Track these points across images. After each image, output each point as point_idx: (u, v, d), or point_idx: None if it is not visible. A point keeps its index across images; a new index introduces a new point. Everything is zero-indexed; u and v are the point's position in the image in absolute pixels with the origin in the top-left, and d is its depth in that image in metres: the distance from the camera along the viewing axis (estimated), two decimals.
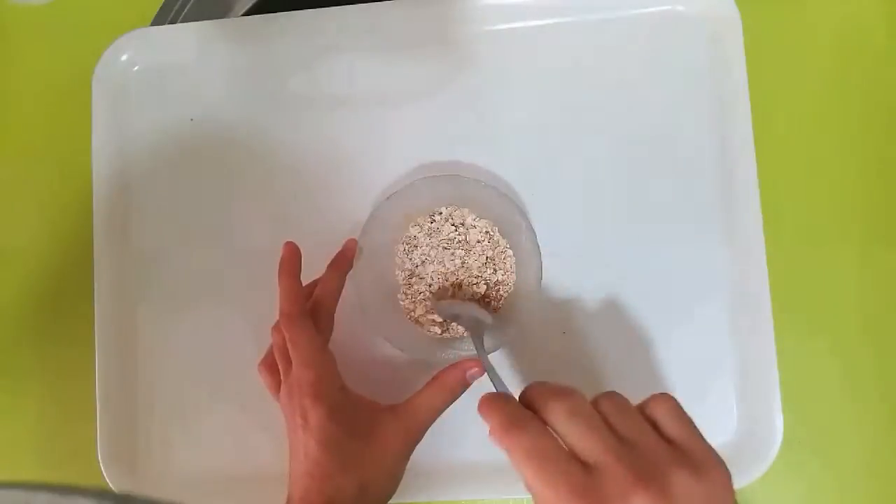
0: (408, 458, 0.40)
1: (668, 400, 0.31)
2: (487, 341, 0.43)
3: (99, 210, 0.51)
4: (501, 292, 0.45)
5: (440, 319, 0.45)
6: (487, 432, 0.31)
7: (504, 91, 0.49)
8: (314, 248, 0.45)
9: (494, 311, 0.45)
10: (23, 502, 0.22)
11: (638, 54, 0.48)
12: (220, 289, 0.50)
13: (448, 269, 0.46)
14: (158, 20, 0.54)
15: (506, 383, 0.36)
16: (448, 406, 0.41)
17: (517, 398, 0.33)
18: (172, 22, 0.55)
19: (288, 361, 0.41)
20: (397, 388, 0.44)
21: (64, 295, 0.52)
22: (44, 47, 0.55)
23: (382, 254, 0.46)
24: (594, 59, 0.48)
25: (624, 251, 0.47)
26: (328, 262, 0.44)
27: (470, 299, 0.45)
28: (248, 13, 0.57)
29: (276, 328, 0.42)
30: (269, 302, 0.44)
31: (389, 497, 0.40)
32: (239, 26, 0.52)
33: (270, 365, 0.43)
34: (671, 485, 0.27)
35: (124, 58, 0.52)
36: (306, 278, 0.44)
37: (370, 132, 0.50)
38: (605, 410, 0.30)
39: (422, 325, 0.46)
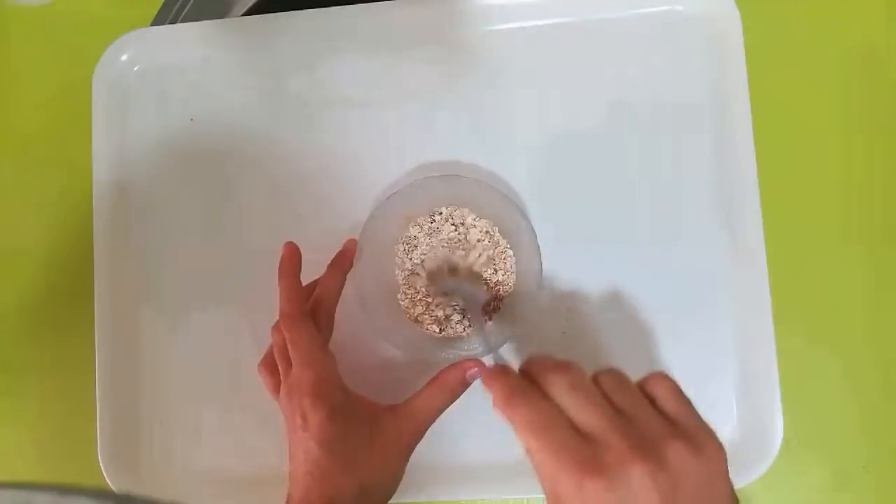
0: (408, 458, 0.40)
1: (667, 378, 0.31)
2: (490, 339, 0.43)
3: (99, 210, 0.51)
4: (501, 292, 0.45)
5: (438, 314, 0.45)
6: (491, 403, 0.32)
7: (504, 91, 0.49)
8: (314, 248, 0.45)
9: (494, 311, 0.45)
10: (23, 502, 0.22)
11: (638, 54, 0.48)
12: (220, 289, 0.50)
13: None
14: (158, 20, 0.54)
15: None
16: (448, 406, 0.41)
17: (518, 371, 0.33)
18: (172, 22, 0.55)
19: (288, 362, 0.41)
20: (397, 388, 0.44)
21: (64, 295, 0.52)
22: (44, 47, 0.55)
23: (382, 254, 0.46)
24: (594, 60, 0.48)
25: (624, 252, 0.47)
26: (328, 261, 0.44)
27: (465, 278, 0.45)
28: (248, 13, 0.57)
29: (276, 328, 0.42)
30: (268, 302, 0.44)
31: (389, 497, 0.40)
32: (239, 26, 0.52)
33: (270, 365, 0.43)
34: (668, 457, 0.27)
35: (124, 58, 0.52)
36: (306, 278, 0.44)
37: (370, 132, 0.50)
38: (605, 385, 0.31)
39: (421, 324, 0.46)
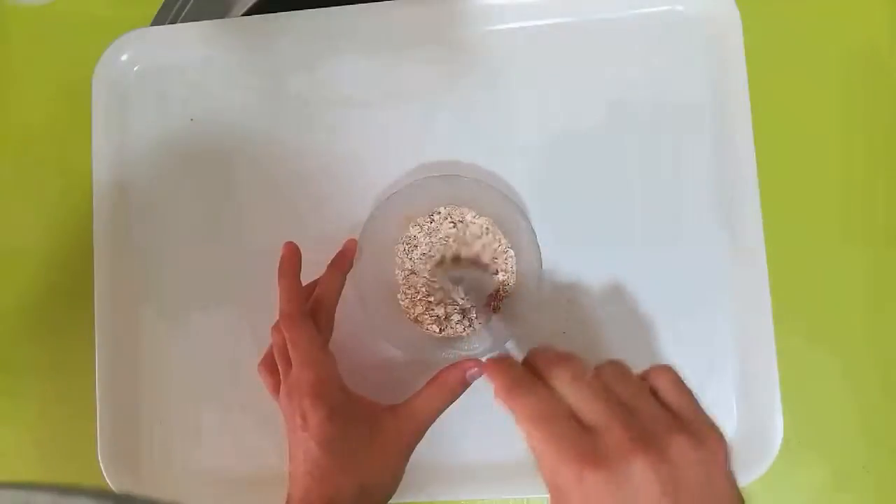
0: (408, 459, 0.40)
1: (669, 370, 0.31)
2: (488, 341, 0.43)
3: (99, 210, 0.51)
4: (502, 292, 0.45)
5: (439, 314, 0.45)
6: (493, 393, 0.32)
7: (504, 91, 0.49)
8: (314, 248, 0.45)
9: (495, 311, 0.45)
10: (23, 502, 0.22)
11: (638, 54, 0.48)
12: (220, 289, 0.50)
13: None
14: (158, 20, 0.54)
15: None
16: (448, 406, 0.41)
17: (520, 362, 0.33)
18: (172, 22, 0.55)
19: (288, 362, 0.41)
20: (397, 388, 0.44)
21: (64, 295, 0.52)
22: (44, 47, 0.55)
23: (382, 254, 0.46)
24: (594, 59, 0.48)
25: (624, 252, 0.47)
26: (328, 261, 0.44)
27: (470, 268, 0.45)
28: (248, 13, 0.57)
29: (276, 328, 0.42)
30: (268, 302, 0.44)
31: (389, 497, 0.40)
32: (239, 26, 0.52)
33: (270, 365, 0.43)
34: (670, 450, 0.27)
35: (124, 58, 0.52)
36: (306, 278, 0.44)
37: (370, 132, 0.50)
38: (607, 376, 0.31)
39: (421, 324, 0.46)
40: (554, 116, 0.48)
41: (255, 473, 0.48)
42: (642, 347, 0.46)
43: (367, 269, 0.44)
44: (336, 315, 0.44)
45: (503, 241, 0.46)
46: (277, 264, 0.43)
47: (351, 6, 0.50)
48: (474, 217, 0.46)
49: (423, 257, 0.46)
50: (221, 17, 0.56)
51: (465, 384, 0.41)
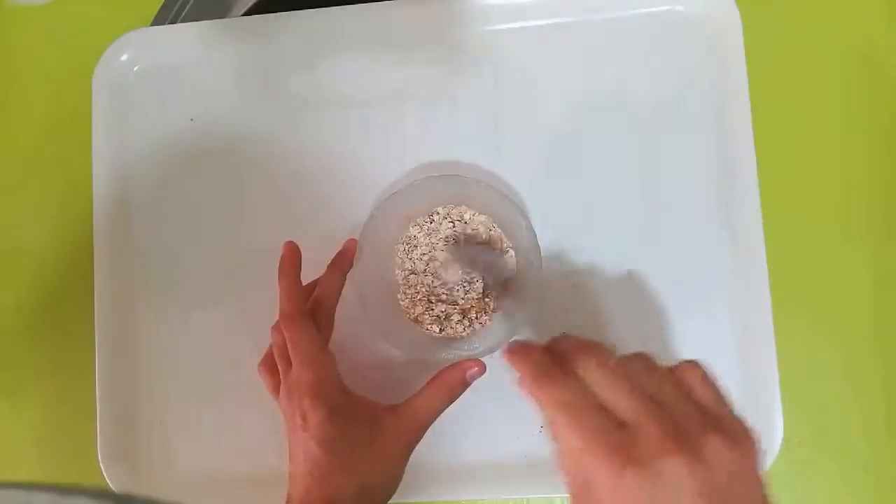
0: (408, 459, 0.40)
1: (698, 366, 0.31)
2: (489, 340, 0.43)
3: (99, 210, 0.51)
4: (514, 274, 0.45)
5: (436, 313, 0.45)
6: (516, 380, 0.31)
7: (504, 91, 0.49)
8: (314, 247, 0.45)
9: (494, 311, 0.45)
10: (23, 502, 0.22)
11: (638, 54, 0.48)
12: (220, 288, 0.50)
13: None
14: (158, 20, 0.54)
15: (508, 381, 0.36)
16: (448, 406, 0.41)
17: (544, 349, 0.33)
18: (172, 22, 0.55)
19: (288, 362, 0.41)
20: (397, 388, 0.44)
21: (64, 295, 0.52)
22: (44, 47, 0.55)
23: (382, 254, 0.46)
24: (594, 59, 0.48)
25: (623, 252, 0.47)
26: (328, 261, 0.44)
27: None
28: (248, 13, 0.57)
29: (276, 328, 0.42)
30: (268, 302, 0.44)
31: (390, 497, 0.40)
32: (239, 26, 0.52)
33: (270, 365, 0.43)
34: (705, 450, 0.27)
35: (124, 58, 0.52)
36: (306, 278, 0.44)
37: (370, 132, 0.50)
38: (637, 370, 0.30)
39: (421, 324, 0.46)
40: (554, 116, 0.48)
41: (255, 473, 0.48)
42: (642, 347, 0.46)
43: (367, 269, 0.44)
44: (336, 315, 0.44)
45: (503, 240, 0.46)
46: (277, 264, 0.43)
47: (351, 6, 0.50)
48: (474, 215, 0.46)
49: (424, 257, 0.46)
50: (221, 17, 0.57)
51: (464, 384, 0.41)
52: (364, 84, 0.50)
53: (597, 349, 0.31)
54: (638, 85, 0.48)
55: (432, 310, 0.45)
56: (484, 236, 0.45)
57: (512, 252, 0.46)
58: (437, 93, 0.49)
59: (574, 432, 0.28)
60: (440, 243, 0.46)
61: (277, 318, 0.42)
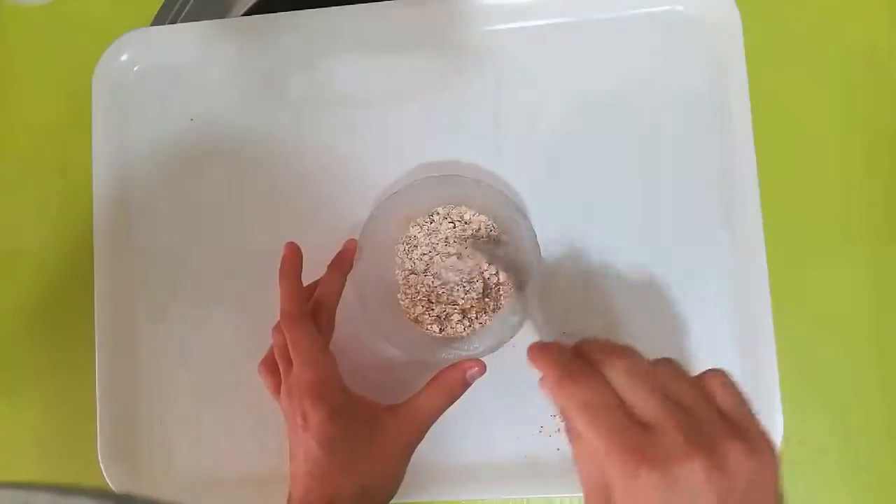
0: (409, 459, 0.40)
1: (723, 374, 0.31)
2: (489, 340, 0.43)
3: (99, 210, 0.51)
4: (501, 292, 0.45)
5: (436, 313, 0.45)
6: (538, 381, 0.31)
7: (504, 91, 0.49)
8: (314, 248, 0.45)
9: (494, 311, 0.45)
10: (23, 502, 0.22)
11: (638, 54, 0.48)
12: (221, 289, 0.50)
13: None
14: (158, 20, 0.54)
15: (507, 381, 0.36)
16: (448, 406, 0.41)
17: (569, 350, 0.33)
18: (172, 22, 0.55)
19: (288, 362, 0.41)
20: (398, 388, 0.44)
21: (64, 295, 0.52)
22: (44, 47, 0.55)
23: (382, 254, 0.46)
24: (594, 59, 0.48)
25: (623, 251, 0.47)
26: (328, 261, 0.44)
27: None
28: (248, 13, 0.57)
29: (277, 329, 0.42)
30: (269, 302, 0.44)
31: (390, 497, 0.40)
32: (239, 26, 0.52)
33: (271, 365, 0.43)
34: (726, 456, 0.27)
35: (124, 58, 0.52)
36: (306, 278, 0.44)
37: (370, 132, 0.50)
38: (664, 375, 0.30)
39: (421, 324, 0.46)
40: (554, 116, 0.48)
41: (255, 473, 0.48)
42: (642, 346, 0.46)
43: (367, 270, 0.44)
44: (336, 315, 0.44)
45: (503, 241, 0.46)
46: (277, 264, 0.43)
47: (351, 6, 0.50)
48: (473, 214, 0.46)
49: (424, 258, 0.46)
50: (221, 17, 0.57)
51: (465, 384, 0.41)
52: (364, 84, 0.50)
53: (627, 352, 0.31)
54: (638, 85, 0.48)
55: (432, 310, 0.45)
56: (490, 233, 0.45)
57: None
58: (437, 93, 0.49)
59: (594, 431, 0.28)
60: (440, 244, 0.46)
61: (278, 318, 0.42)
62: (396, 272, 0.47)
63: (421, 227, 0.46)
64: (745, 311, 0.45)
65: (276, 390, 0.43)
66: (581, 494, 0.31)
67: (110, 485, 0.49)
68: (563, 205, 0.47)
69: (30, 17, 0.56)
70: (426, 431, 0.40)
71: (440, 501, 0.47)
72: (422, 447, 0.40)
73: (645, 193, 0.47)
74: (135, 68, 0.53)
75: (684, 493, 0.26)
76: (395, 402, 0.41)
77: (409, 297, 0.46)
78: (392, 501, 0.40)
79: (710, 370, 0.31)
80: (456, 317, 0.45)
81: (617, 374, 0.30)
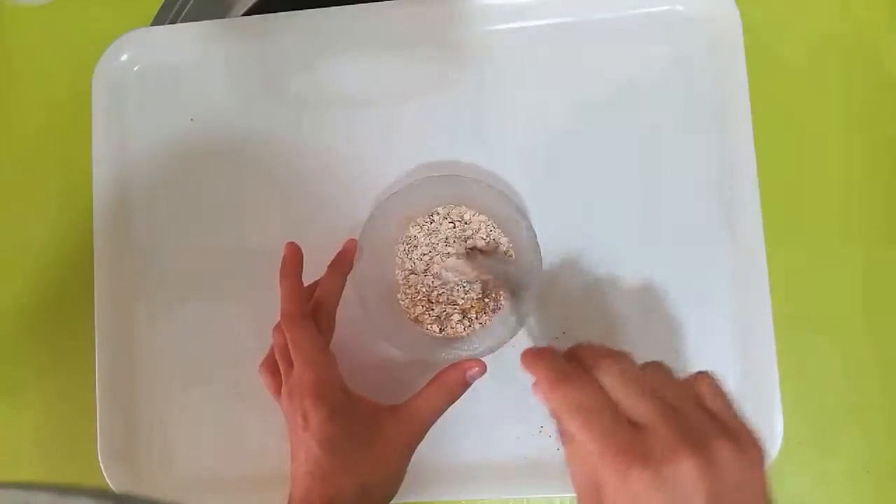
0: (409, 459, 0.40)
1: (710, 377, 0.31)
2: (489, 340, 0.43)
3: (99, 210, 0.51)
4: (501, 293, 0.45)
5: (436, 313, 0.45)
6: (532, 385, 0.32)
7: (504, 91, 0.49)
8: (314, 247, 0.45)
9: (494, 311, 0.45)
10: (22, 502, 0.22)
11: (638, 54, 0.48)
12: (221, 289, 0.50)
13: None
14: (158, 20, 0.54)
15: (507, 381, 0.36)
16: (449, 406, 0.41)
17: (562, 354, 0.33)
18: (172, 22, 0.55)
19: (289, 362, 0.41)
20: (398, 388, 0.44)
21: (64, 295, 0.52)
22: (44, 47, 0.55)
23: (382, 254, 0.46)
24: (594, 59, 0.48)
25: (623, 252, 0.47)
26: (328, 261, 0.44)
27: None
28: (248, 13, 0.57)
29: (278, 329, 0.42)
30: (269, 302, 0.44)
31: (391, 497, 0.40)
32: (239, 26, 0.52)
33: (271, 366, 0.43)
34: (716, 454, 0.27)
35: (124, 58, 0.52)
36: (306, 278, 0.44)
37: (370, 132, 0.50)
38: (653, 378, 0.31)
39: (421, 324, 0.46)
40: (554, 116, 0.48)
41: (256, 473, 0.48)
42: (642, 347, 0.46)
43: (368, 270, 0.44)
44: (336, 316, 0.44)
45: (503, 241, 0.46)
46: (278, 264, 0.43)
47: (351, 6, 0.50)
48: (473, 214, 0.46)
49: (424, 258, 0.46)
50: (221, 17, 0.56)
51: (465, 384, 0.41)
52: (364, 84, 0.50)
53: (618, 355, 0.31)
54: (638, 85, 0.48)
55: (432, 310, 0.45)
56: (489, 240, 0.45)
57: (512, 252, 0.46)
58: (437, 93, 0.49)
59: (587, 433, 0.28)
60: (440, 244, 0.46)
61: (278, 318, 0.42)
62: (396, 272, 0.47)
63: (421, 227, 0.46)
64: (744, 311, 0.45)
65: (277, 391, 0.43)
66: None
67: (110, 485, 0.49)
68: (563, 205, 0.47)
69: (30, 17, 0.56)
70: (426, 431, 0.40)
71: (440, 501, 0.47)
72: (422, 447, 0.40)
73: (645, 193, 0.47)
74: (135, 68, 0.53)
75: (677, 490, 0.26)
76: (395, 402, 0.41)
77: (409, 297, 0.46)
78: (392, 501, 0.40)
79: (697, 373, 0.32)
80: (456, 317, 0.45)
81: (608, 377, 0.30)
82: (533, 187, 0.48)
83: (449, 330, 0.45)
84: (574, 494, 0.31)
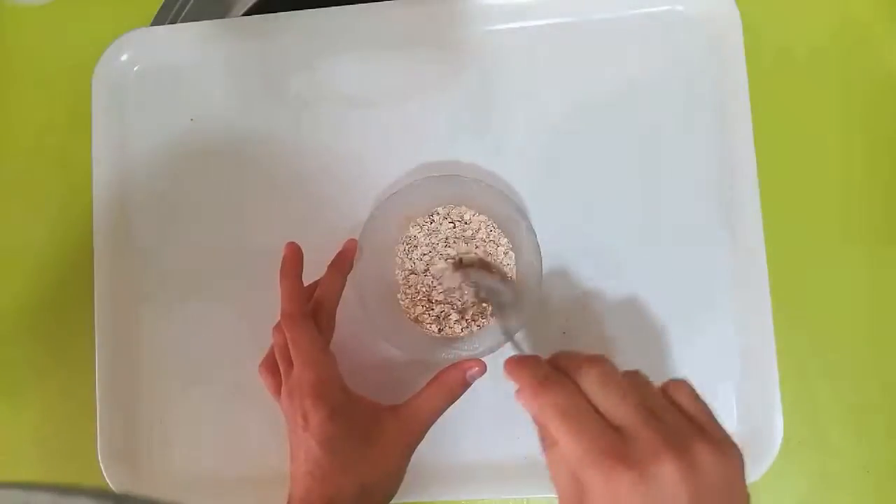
0: (409, 459, 0.40)
1: (686, 384, 0.32)
2: (489, 340, 0.43)
3: (99, 210, 0.51)
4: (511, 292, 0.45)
5: (438, 313, 0.45)
6: (515, 392, 0.32)
7: (504, 91, 0.49)
8: (314, 247, 0.45)
9: (491, 315, 0.45)
10: (22, 502, 0.22)
11: (638, 54, 0.48)
12: (221, 289, 0.50)
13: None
14: (158, 20, 0.54)
15: (507, 381, 0.36)
16: (449, 406, 0.41)
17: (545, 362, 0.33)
18: (172, 22, 0.55)
19: (289, 362, 0.41)
20: (398, 388, 0.44)
21: (64, 295, 0.52)
22: (44, 47, 0.55)
23: (382, 254, 0.46)
24: (594, 59, 0.48)
25: (623, 252, 0.47)
26: (328, 261, 0.44)
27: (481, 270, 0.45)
28: (248, 13, 0.57)
29: (278, 329, 0.42)
30: (270, 302, 0.44)
31: (391, 497, 0.40)
32: (239, 26, 0.52)
33: (271, 366, 0.43)
34: (697, 456, 0.28)
35: (124, 58, 0.52)
36: (307, 278, 0.44)
37: (370, 132, 0.50)
38: (632, 384, 0.31)
39: (421, 324, 0.46)
40: (554, 116, 0.48)
41: (256, 473, 0.48)
42: (642, 347, 0.46)
43: (367, 270, 0.44)
44: (336, 315, 0.44)
45: (503, 241, 0.46)
46: (278, 264, 0.43)
47: (351, 6, 0.51)
48: (473, 215, 0.46)
49: (424, 258, 0.46)
50: (221, 17, 0.56)
51: (465, 384, 0.41)
52: (364, 84, 0.50)
53: (600, 361, 0.32)
54: (638, 85, 0.48)
55: (432, 310, 0.45)
56: (482, 251, 0.45)
57: (512, 252, 0.46)
58: (437, 93, 0.49)
59: (570, 436, 0.29)
60: (440, 244, 0.46)
61: (279, 318, 0.42)
62: (396, 272, 0.47)
63: (421, 227, 0.46)
64: (744, 311, 0.45)
65: (277, 391, 0.43)
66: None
67: (110, 485, 0.49)
68: (563, 205, 0.47)
69: (30, 17, 0.56)
70: (426, 431, 0.40)
71: (440, 501, 0.47)
72: (422, 447, 0.40)
73: (645, 193, 0.47)
74: (135, 68, 0.53)
75: (659, 491, 0.27)
76: (395, 402, 0.41)
77: (409, 297, 0.46)
78: (392, 501, 0.40)
79: (672, 380, 0.32)
80: (454, 317, 0.45)
81: (590, 383, 0.30)
82: (533, 187, 0.48)
83: (447, 330, 0.45)
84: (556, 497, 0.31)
